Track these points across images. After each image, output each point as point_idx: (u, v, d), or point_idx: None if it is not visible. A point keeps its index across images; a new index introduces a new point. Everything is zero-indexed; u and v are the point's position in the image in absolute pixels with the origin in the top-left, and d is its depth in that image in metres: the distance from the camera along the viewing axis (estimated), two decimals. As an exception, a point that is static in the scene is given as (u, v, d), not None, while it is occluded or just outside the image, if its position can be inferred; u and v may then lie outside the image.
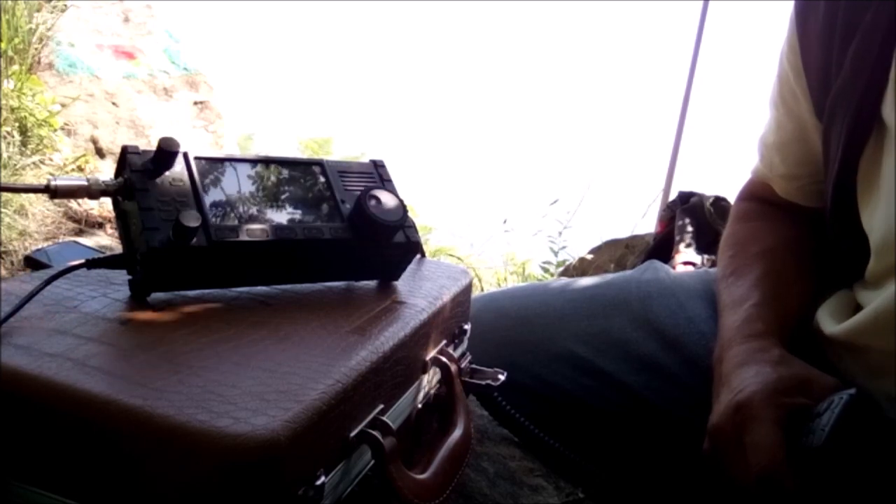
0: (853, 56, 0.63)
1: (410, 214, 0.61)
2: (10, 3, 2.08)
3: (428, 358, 0.61)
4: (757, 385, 0.60)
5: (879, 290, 0.63)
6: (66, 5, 2.37)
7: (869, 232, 0.64)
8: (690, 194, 1.92)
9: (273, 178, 0.58)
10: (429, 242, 3.20)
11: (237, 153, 0.80)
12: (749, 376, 0.62)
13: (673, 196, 2.07)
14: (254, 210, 0.55)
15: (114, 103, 2.23)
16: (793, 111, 0.75)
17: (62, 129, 2.06)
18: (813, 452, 0.54)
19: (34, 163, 1.86)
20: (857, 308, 0.67)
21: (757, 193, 0.85)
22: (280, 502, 0.40)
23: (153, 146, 0.53)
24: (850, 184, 0.65)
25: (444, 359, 0.63)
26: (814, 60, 0.69)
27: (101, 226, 1.78)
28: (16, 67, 2.04)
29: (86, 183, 0.51)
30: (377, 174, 0.64)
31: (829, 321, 0.69)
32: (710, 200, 1.84)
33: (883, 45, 0.61)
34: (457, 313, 0.68)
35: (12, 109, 1.90)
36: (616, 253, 2.24)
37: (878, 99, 0.61)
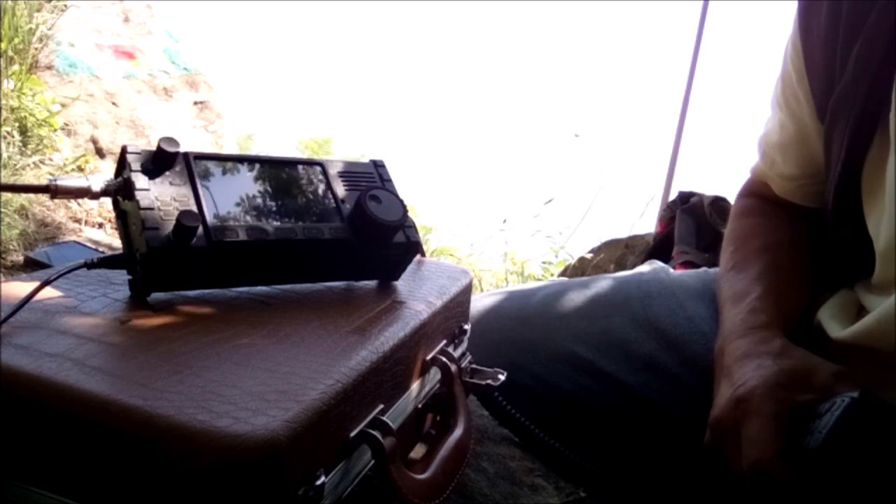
0: (856, 58, 0.62)
1: (410, 214, 0.61)
2: (10, 3, 2.08)
3: (428, 358, 0.61)
4: (758, 379, 0.60)
5: (884, 295, 0.63)
6: (66, 5, 2.37)
7: (874, 238, 0.63)
8: (690, 194, 1.91)
9: (273, 178, 0.58)
10: (429, 242, 3.19)
11: (237, 153, 0.80)
12: (750, 369, 0.61)
13: (673, 196, 2.07)
14: (254, 210, 0.55)
15: (114, 103, 2.23)
16: (795, 113, 0.74)
17: (62, 129, 2.06)
18: (809, 454, 0.54)
19: (34, 163, 1.86)
20: (860, 310, 0.67)
21: (757, 190, 0.85)
22: (280, 502, 0.40)
23: (153, 146, 0.53)
24: (853, 186, 0.64)
25: (444, 359, 0.63)
26: (817, 61, 0.69)
27: (101, 226, 1.78)
28: (16, 67, 2.04)
29: (86, 183, 0.51)
30: (377, 174, 0.64)
31: (833, 324, 0.68)
32: (710, 200, 1.84)
33: (887, 48, 0.60)
34: (457, 313, 0.68)
35: (12, 109, 1.90)
36: (616, 253, 2.24)
37: (880, 103, 0.60)
